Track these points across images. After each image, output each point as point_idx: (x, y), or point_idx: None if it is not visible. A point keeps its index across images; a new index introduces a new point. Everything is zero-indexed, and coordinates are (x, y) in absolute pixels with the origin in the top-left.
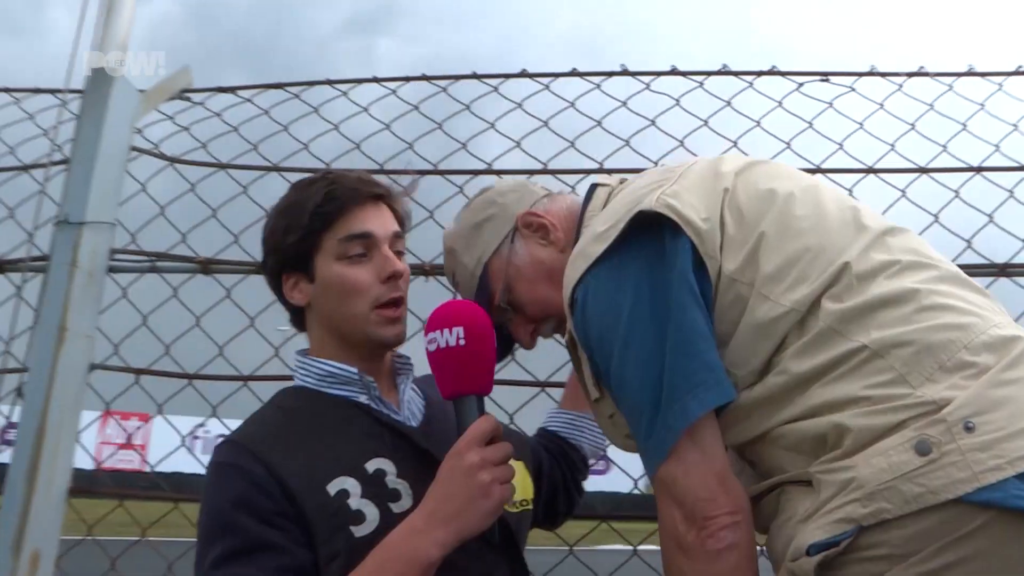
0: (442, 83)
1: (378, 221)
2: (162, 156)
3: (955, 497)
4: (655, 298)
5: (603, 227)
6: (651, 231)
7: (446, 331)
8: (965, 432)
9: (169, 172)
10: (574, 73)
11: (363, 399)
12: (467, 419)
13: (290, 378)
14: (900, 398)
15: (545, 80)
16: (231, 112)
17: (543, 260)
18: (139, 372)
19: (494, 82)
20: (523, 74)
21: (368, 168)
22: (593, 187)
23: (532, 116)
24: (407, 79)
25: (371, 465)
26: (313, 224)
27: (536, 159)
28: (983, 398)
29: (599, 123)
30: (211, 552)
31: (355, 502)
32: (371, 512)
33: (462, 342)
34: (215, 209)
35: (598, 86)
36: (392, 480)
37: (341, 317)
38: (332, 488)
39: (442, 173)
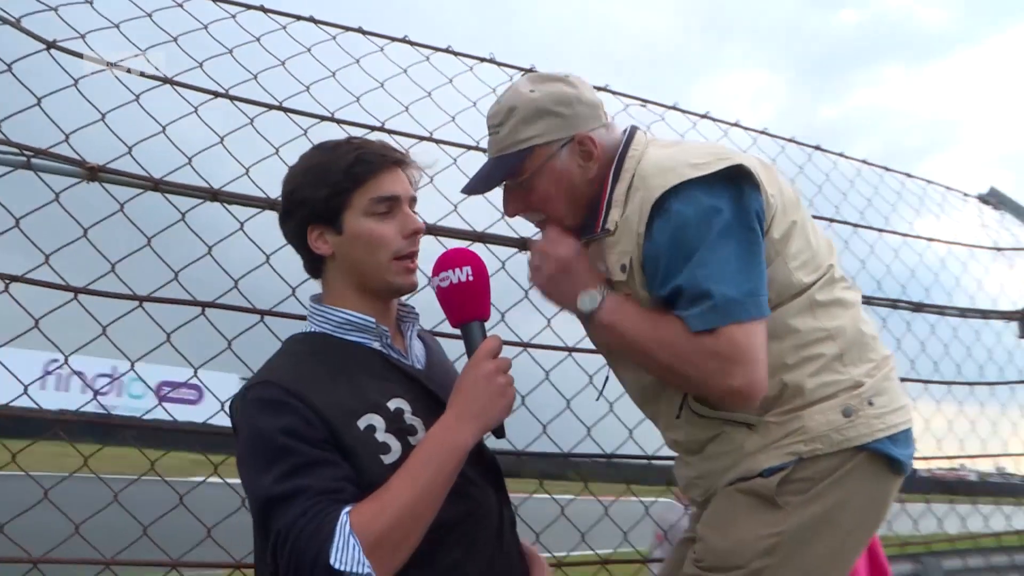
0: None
1: (400, 184)
2: (35, 36)
3: (858, 444)
4: (746, 217)
5: (698, 160)
6: (731, 181)
7: (457, 270)
8: (868, 405)
9: (45, 60)
10: None
11: (376, 345)
12: (475, 339)
13: (190, 303)
14: (837, 371)
15: None
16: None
17: (573, 176)
18: (11, 279)
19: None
20: None
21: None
22: (633, 129)
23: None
24: None
25: (392, 404)
26: (345, 183)
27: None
28: (879, 386)
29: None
30: (269, 474)
31: (380, 435)
32: (394, 444)
33: (471, 278)
34: (104, 113)
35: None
36: (409, 417)
37: (366, 266)
38: (362, 423)
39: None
